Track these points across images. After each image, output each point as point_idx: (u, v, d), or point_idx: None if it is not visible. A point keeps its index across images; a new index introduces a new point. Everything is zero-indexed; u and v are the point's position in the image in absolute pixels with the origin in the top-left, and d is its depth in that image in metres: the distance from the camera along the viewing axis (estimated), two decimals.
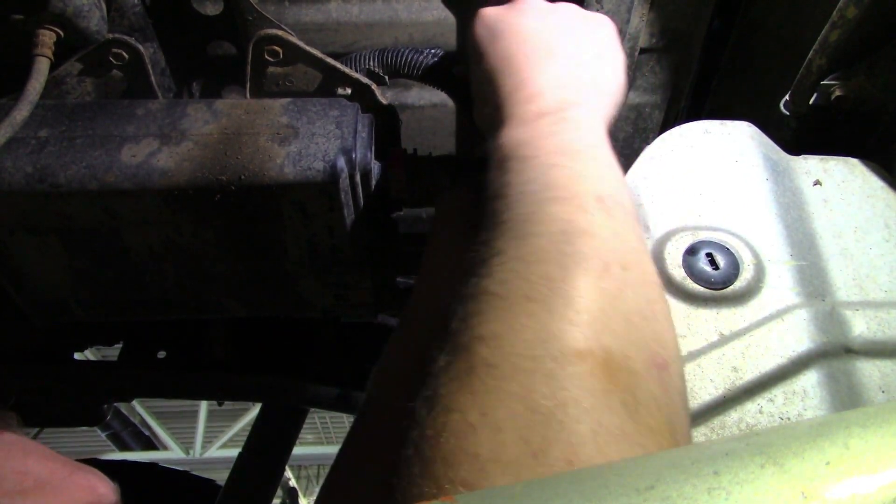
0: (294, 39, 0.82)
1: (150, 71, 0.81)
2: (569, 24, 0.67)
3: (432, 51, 0.84)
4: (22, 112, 0.68)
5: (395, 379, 0.63)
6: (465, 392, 0.41)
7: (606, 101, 0.63)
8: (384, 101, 0.85)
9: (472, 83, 0.70)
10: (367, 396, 0.66)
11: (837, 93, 0.81)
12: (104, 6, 0.77)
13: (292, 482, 8.71)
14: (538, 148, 0.55)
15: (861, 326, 0.64)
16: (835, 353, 0.63)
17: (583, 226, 0.48)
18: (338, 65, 0.83)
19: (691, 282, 0.66)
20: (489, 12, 0.69)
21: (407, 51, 0.84)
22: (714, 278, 0.66)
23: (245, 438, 1.44)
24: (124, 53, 0.80)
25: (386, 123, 0.86)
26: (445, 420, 0.41)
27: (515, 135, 0.57)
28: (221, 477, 1.41)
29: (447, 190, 0.81)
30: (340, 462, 0.62)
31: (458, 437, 0.39)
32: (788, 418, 0.61)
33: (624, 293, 0.46)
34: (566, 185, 0.51)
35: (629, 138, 1.12)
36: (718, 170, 0.74)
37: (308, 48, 0.82)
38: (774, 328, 0.64)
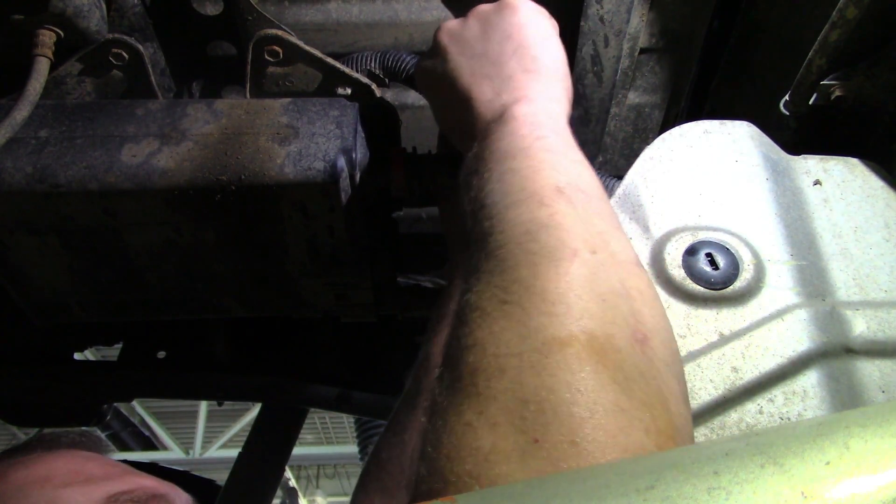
0: (294, 39, 0.81)
1: (150, 71, 0.81)
2: (482, 31, 0.68)
3: None
4: (22, 112, 0.68)
5: (414, 382, 0.65)
6: (459, 396, 0.42)
7: (546, 80, 0.63)
8: (384, 102, 0.85)
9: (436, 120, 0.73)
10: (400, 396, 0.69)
11: (837, 93, 0.81)
12: (104, 6, 0.77)
13: (292, 482, 8.71)
14: (488, 159, 0.56)
15: (861, 326, 0.64)
16: (835, 353, 0.63)
17: (544, 220, 0.49)
18: (338, 65, 0.83)
19: (691, 282, 0.66)
20: (421, 65, 0.73)
21: (409, 57, 0.84)
22: (714, 278, 0.66)
23: (245, 438, 1.44)
24: (124, 53, 0.80)
25: (386, 123, 0.86)
26: (444, 422, 0.42)
27: (471, 155, 0.59)
28: (221, 477, 1.40)
29: (450, 190, 0.81)
30: (374, 458, 0.64)
31: (458, 436, 0.40)
32: (788, 418, 0.61)
33: (596, 275, 0.46)
34: (522, 187, 0.52)
35: (629, 138, 1.12)
36: (718, 170, 0.74)
37: (308, 48, 0.82)
38: (774, 328, 0.64)
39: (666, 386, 0.44)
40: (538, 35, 0.67)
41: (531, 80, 0.63)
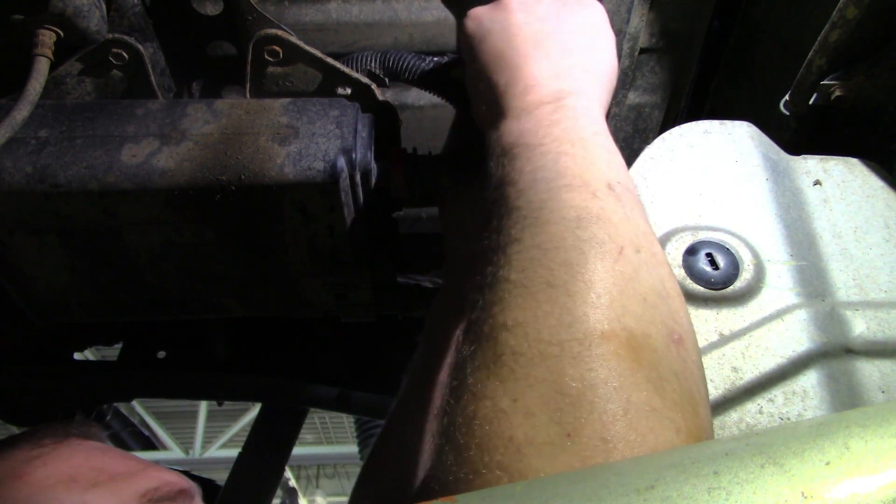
0: (294, 39, 0.81)
1: (150, 71, 0.81)
2: (555, 14, 0.67)
3: (434, 59, 0.84)
4: (22, 112, 0.68)
5: (422, 371, 0.64)
6: (494, 380, 0.42)
7: (600, 87, 0.63)
8: (384, 101, 0.85)
9: (467, 83, 0.70)
10: (400, 390, 0.67)
11: (837, 93, 0.81)
12: (104, 6, 0.77)
13: (292, 482, 8.71)
14: (544, 136, 0.55)
15: (861, 326, 0.64)
16: (835, 353, 0.63)
17: (596, 212, 0.49)
18: (338, 65, 0.83)
19: (691, 282, 0.66)
20: (476, 12, 0.69)
21: (409, 56, 0.84)
22: (714, 278, 0.66)
23: (245, 438, 1.44)
24: (124, 53, 0.80)
25: (386, 123, 0.86)
26: (476, 408, 0.41)
27: (517, 125, 0.58)
28: (221, 477, 1.41)
29: (450, 190, 0.81)
30: (373, 457, 0.62)
31: (492, 424, 0.40)
32: (788, 418, 0.61)
33: (639, 274, 0.47)
34: (577, 174, 0.52)
35: (629, 138, 1.12)
36: (718, 170, 0.74)
37: (308, 48, 0.82)
38: (774, 328, 0.64)
39: (696, 387, 0.44)
40: (606, 43, 0.67)
41: (590, 81, 0.62)
